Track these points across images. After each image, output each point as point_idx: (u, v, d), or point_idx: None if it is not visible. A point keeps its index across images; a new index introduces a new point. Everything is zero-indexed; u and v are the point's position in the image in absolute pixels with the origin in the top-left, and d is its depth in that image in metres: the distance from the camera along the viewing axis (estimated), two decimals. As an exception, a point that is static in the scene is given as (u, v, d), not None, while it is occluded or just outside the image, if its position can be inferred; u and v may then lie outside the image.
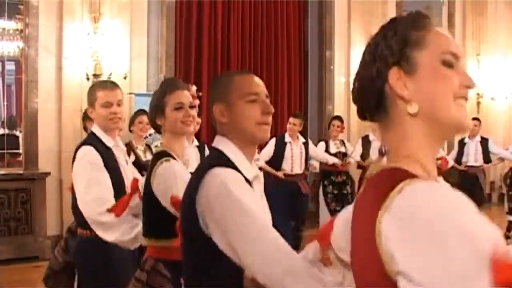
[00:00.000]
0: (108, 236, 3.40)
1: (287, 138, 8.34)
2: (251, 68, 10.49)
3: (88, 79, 8.15)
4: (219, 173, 2.12)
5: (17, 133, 9.37)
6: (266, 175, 7.44)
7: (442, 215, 1.19)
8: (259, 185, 2.36)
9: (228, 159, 2.23)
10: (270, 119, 2.33)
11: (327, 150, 8.98)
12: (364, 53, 1.53)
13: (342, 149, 9.07)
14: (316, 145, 9.06)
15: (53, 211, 8.10)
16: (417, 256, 1.19)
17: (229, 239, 2.03)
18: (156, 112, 3.13)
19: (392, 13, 12.11)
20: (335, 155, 8.94)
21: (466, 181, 9.68)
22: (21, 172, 8.09)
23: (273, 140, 8.32)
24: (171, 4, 9.38)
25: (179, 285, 2.52)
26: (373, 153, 8.64)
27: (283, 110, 10.62)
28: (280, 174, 8.20)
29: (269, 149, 8.26)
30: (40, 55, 8.14)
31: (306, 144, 8.49)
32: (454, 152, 10.33)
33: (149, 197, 2.98)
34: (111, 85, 3.79)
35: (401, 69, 1.43)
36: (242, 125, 2.27)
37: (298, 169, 8.29)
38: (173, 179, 2.86)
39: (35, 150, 8.12)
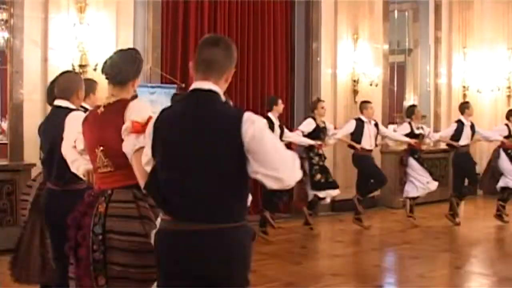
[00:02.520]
0: None
1: (364, 119, 9.94)
2: (238, 59, 10.41)
3: (74, 70, 8.12)
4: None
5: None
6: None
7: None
8: None
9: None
10: None
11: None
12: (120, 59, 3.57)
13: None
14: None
15: (38, 202, 8.07)
16: None
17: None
18: None
19: (378, 6, 12.17)
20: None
21: None
22: (6, 163, 8.06)
23: (354, 120, 10.05)
24: (157, -5, 9.37)
25: None
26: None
27: (270, 102, 10.64)
28: (358, 146, 9.85)
29: (349, 127, 10.00)
30: (26, 46, 8.09)
31: (377, 125, 10.12)
32: None
33: None
34: None
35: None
36: None
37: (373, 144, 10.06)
38: None
39: (20, 141, 8.09)
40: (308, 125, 9.59)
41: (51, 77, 8.07)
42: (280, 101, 9.21)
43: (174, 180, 2.71)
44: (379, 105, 12.23)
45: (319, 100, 9.97)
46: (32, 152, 8.11)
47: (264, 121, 2.73)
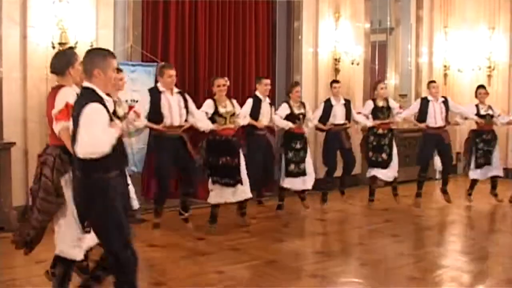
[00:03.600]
0: None
1: (430, 98, 10.20)
2: (219, 38, 10.42)
3: (53, 47, 8.03)
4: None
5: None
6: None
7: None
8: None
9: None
10: None
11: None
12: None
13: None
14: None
15: (18, 181, 8.02)
16: None
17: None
18: None
19: (360, -16, 12.15)
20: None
21: None
22: (-15, 142, 7.97)
23: (419, 99, 10.68)
24: (137, -28, 9.27)
25: None
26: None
27: (251, 80, 10.59)
28: (423, 125, 10.19)
29: (414, 107, 10.52)
30: (4, 24, 7.97)
31: (445, 103, 10.29)
32: None
33: None
34: None
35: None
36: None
37: (440, 122, 10.17)
38: None
39: (-1, 119, 8.01)
40: (367, 106, 10.22)
41: (30, 55, 8.05)
42: (335, 84, 10.13)
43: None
44: (360, 84, 12.26)
45: (379, 81, 10.47)
46: (12, 130, 8.05)
47: (92, 111, 4.00)
